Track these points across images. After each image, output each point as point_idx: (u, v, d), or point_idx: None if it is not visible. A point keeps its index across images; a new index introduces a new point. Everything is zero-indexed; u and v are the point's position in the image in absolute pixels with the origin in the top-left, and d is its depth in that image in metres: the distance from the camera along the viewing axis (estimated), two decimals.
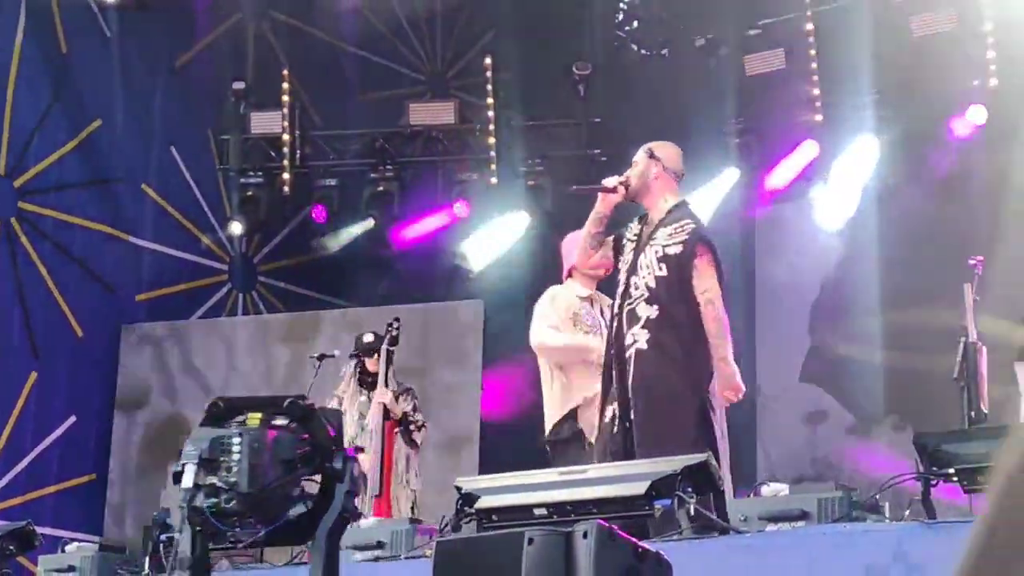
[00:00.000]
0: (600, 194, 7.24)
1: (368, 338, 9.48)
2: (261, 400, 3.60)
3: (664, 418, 6.75)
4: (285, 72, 13.00)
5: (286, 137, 12.92)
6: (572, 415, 7.81)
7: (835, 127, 11.69)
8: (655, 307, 6.86)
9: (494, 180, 12.76)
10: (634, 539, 4.12)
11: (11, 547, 7.00)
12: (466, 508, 5.93)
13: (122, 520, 11.92)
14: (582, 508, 5.51)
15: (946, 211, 11.07)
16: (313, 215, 13.07)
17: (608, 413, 6.94)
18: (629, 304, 6.94)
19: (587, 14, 12.90)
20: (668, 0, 12.56)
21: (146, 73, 12.73)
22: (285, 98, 12.98)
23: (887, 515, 5.37)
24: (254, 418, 3.52)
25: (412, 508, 9.24)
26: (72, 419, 11.99)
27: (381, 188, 12.93)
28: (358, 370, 9.50)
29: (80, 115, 12.31)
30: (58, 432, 11.90)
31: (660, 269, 6.93)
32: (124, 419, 12.28)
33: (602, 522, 3.96)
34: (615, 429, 6.86)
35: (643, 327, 6.84)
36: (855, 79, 11.46)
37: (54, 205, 12.08)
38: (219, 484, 3.43)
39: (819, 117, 11.77)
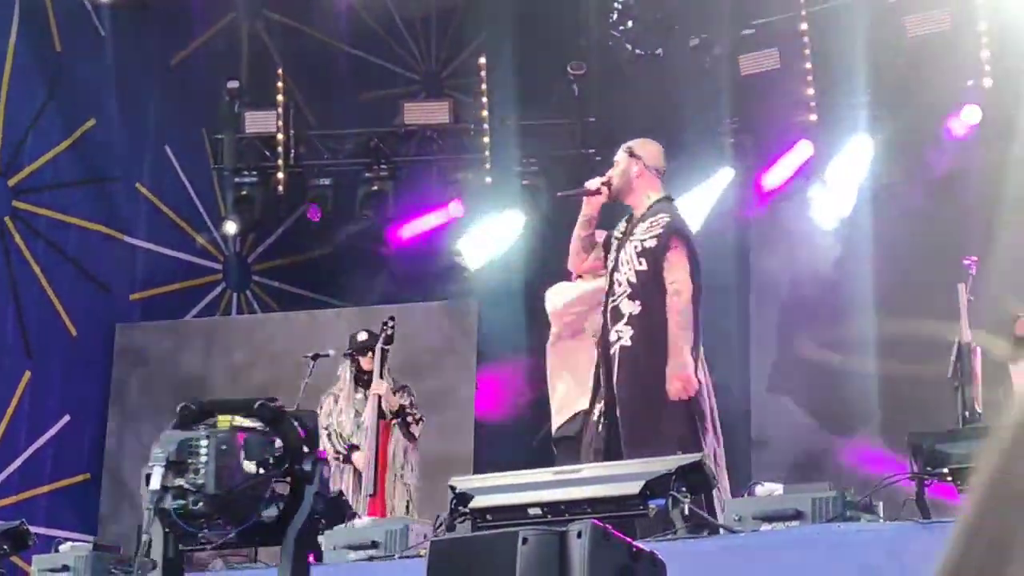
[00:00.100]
0: (585, 197, 7.25)
1: (362, 336, 9.48)
2: (231, 402, 3.62)
3: (648, 415, 6.75)
4: (280, 71, 12.99)
5: (280, 136, 12.91)
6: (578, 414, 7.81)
7: (829, 127, 11.69)
8: (637, 303, 6.87)
9: (489, 180, 12.76)
10: (628, 539, 4.12)
11: (5, 547, 6.99)
12: (460, 508, 5.93)
13: (116, 520, 11.90)
14: (576, 508, 5.52)
15: (941, 211, 11.07)
16: (308, 214, 13.07)
17: (595, 411, 6.95)
18: (613, 301, 6.96)
19: (582, 14, 12.90)
20: (662, 0, 12.56)
21: (140, 72, 12.71)
22: (280, 97, 12.97)
23: (881, 515, 5.37)
24: (224, 421, 3.54)
25: (407, 507, 9.23)
26: (66, 418, 11.98)
27: (376, 188, 12.93)
28: (353, 369, 9.50)
29: (74, 114, 12.29)
30: (52, 432, 11.89)
31: (640, 264, 6.95)
32: (118, 418, 12.26)
33: (596, 522, 3.96)
34: (600, 427, 6.88)
35: (627, 323, 6.85)
36: (849, 79, 11.46)
37: (48, 204, 12.07)
38: (186, 486, 3.45)
39: (813, 117, 11.77)
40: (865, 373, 11.14)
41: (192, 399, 3.68)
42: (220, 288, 13.31)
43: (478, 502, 5.91)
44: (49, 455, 11.85)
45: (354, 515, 6.96)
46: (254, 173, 12.92)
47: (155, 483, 3.47)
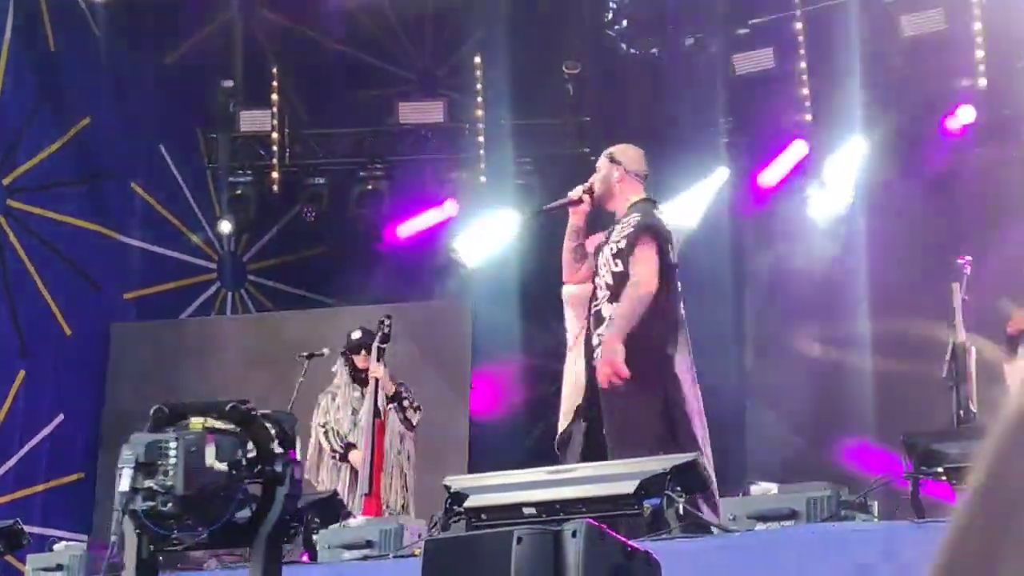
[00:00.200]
0: (569, 207, 7.25)
1: (356, 335, 9.48)
2: (204, 404, 3.63)
3: (627, 419, 6.75)
4: (274, 70, 12.99)
5: (275, 135, 12.91)
6: None
7: (824, 126, 11.70)
8: (614, 305, 6.87)
9: (483, 179, 12.76)
10: (623, 538, 4.12)
11: None
12: (455, 507, 5.93)
13: (110, 519, 11.88)
14: (571, 507, 5.51)
15: (935, 210, 11.08)
16: (302, 213, 13.07)
17: (581, 415, 6.97)
18: (595, 305, 6.96)
19: (577, 14, 12.91)
20: (657, 0, 12.57)
21: (135, 71, 12.71)
22: (274, 96, 12.97)
23: (876, 514, 5.38)
24: (196, 423, 3.55)
25: (403, 507, 9.23)
26: (60, 417, 11.97)
27: (370, 187, 12.93)
28: (348, 367, 9.51)
29: (69, 113, 12.28)
30: (46, 431, 11.88)
31: (616, 265, 6.95)
32: (112, 418, 12.25)
33: (591, 521, 3.96)
34: (583, 430, 6.90)
35: (608, 327, 6.85)
36: (844, 79, 11.47)
37: (43, 203, 12.06)
38: (155, 487, 3.47)
39: (808, 116, 11.78)
40: (860, 372, 11.15)
41: (165, 401, 3.70)
42: (215, 287, 13.31)
43: (473, 501, 5.90)
44: (43, 454, 11.84)
45: (349, 514, 6.96)
46: (249, 172, 12.92)
47: (124, 485, 3.50)
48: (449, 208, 12.81)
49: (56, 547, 7.47)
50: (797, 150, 11.80)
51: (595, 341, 6.89)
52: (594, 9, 12.85)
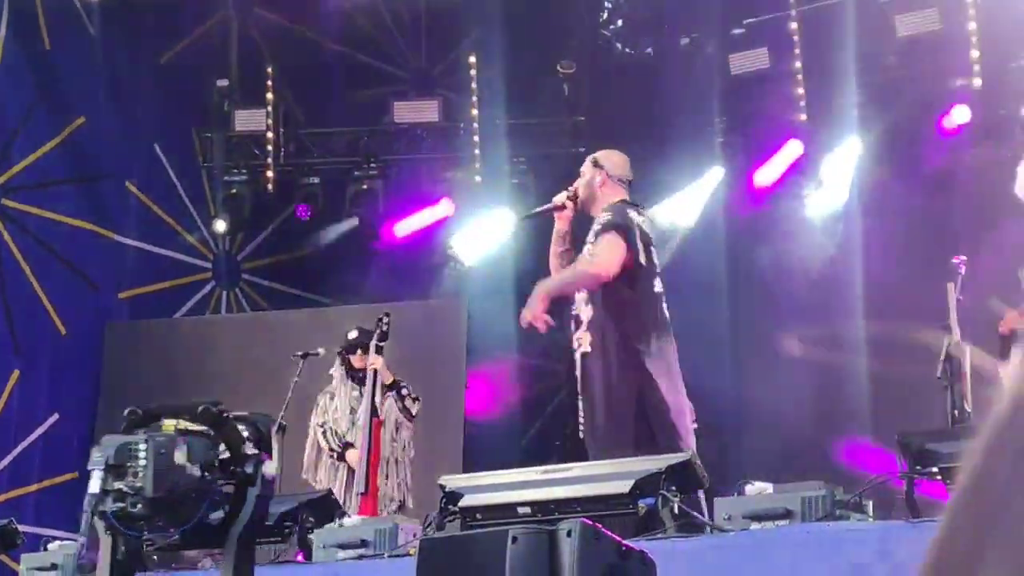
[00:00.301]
0: (554, 213, 7.27)
1: (353, 334, 9.49)
2: (177, 407, 3.65)
3: (604, 421, 6.76)
4: (269, 70, 12.99)
5: (270, 135, 12.91)
6: None
7: (819, 126, 11.71)
8: (590, 307, 6.90)
9: (478, 178, 12.76)
10: (618, 537, 4.12)
11: None
12: (450, 506, 5.93)
13: None
14: (566, 506, 5.52)
15: (930, 210, 11.08)
16: (297, 213, 13.07)
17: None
18: (574, 309, 6.98)
19: (572, 13, 12.91)
20: None
21: (130, 71, 12.70)
22: (269, 96, 12.97)
23: (871, 514, 5.38)
24: (169, 425, 3.57)
25: (401, 502, 9.23)
26: (55, 417, 11.96)
27: (365, 186, 12.93)
28: (344, 367, 9.51)
29: (64, 112, 12.27)
30: (41, 430, 11.87)
31: None
32: (107, 417, 12.24)
33: (586, 520, 3.96)
34: (569, 431, 6.94)
35: (586, 329, 6.87)
36: (839, 79, 11.47)
37: (37, 202, 12.05)
38: (125, 489, 3.48)
39: (803, 116, 11.79)
40: (855, 371, 11.16)
41: (139, 404, 3.71)
42: (209, 286, 13.30)
43: (467, 501, 5.90)
44: (38, 454, 11.83)
45: (343, 513, 6.95)
46: (244, 171, 12.92)
47: (94, 487, 3.51)
48: (444, 208, 12.81)
49: (50, 546, 7.46)
50: (792, 150, 11.80)
51: (575, 345, 6.91)
52: (589, 9, 12.85)
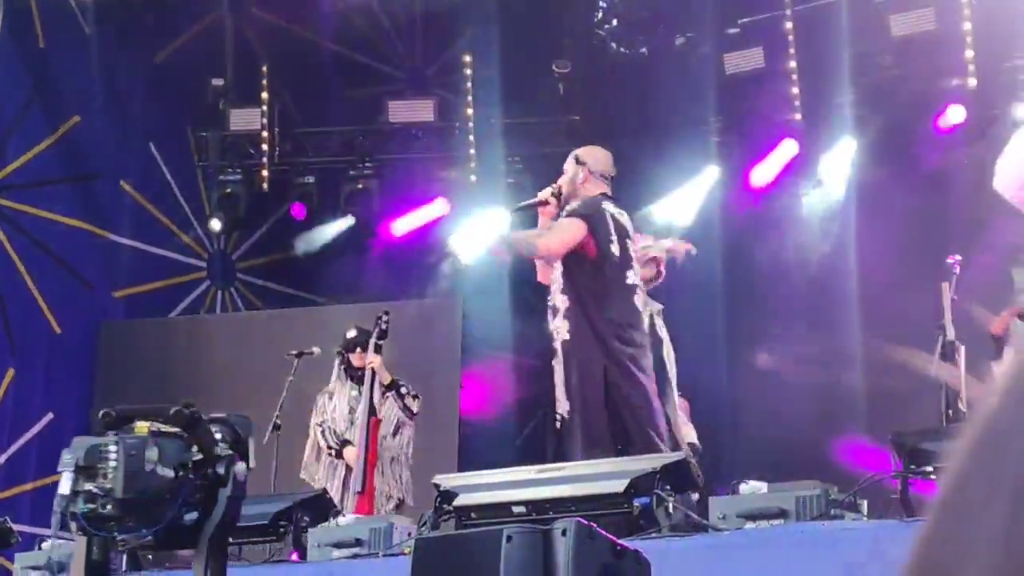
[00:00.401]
0: (539, 209, 7.35)
1: (351, 333, 9.50)
2: (150, 409, 3.67)
3: (576, 411, 6.80)
4: (264, 69, 12.98)
5: (265, 134, 12.90)
6: None
7: (814, 126, 11.72)
8: (566, 296, 6.95)
9: (473, 178, 12.76)
10: (613, 537, 4.12)
11: None
12: (445, 506, 5.93)
13: None
14: (561, 505, 5.52)
15: (925, 210, 11.09)
16: (292, 212, 13.06)
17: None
18: (551, 299, 7.04)
19: (567, 13, 12.91)
20: None
21: (125, 69, 12.69)
22: (264, 95, 12.96)
23: (865, 513, 5.38)
24: (142, 427, 3.59)
25: (400, 500, 9.24)
26: (49, 416, 11.95)
27: (360, 185, 12.93)
28: (343, 365, 9.52)
29: (58, 111, 12.26)
30: (35, 429, 11.86)
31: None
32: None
33: (581, 520, 3.96)
34: (556, 424, 6.95)
35: (564, 317, 6.93)
36: (834, 78, 11.48)
37: (32, 201, 12.04)
38: (95, 490, 3.50)
39: (798, 116, 11.79)
40: (851, 370, 11.16)
41: (113, 406, 3.73)
42: (204, 285, 13.30)
43: (462, 500, 5.91)
44: (33, 453, 11.82)
45: (338, 513, 6.95)
46: (238, 170, 12.91)
47: (64, 488, 3.53)
48: (440, 207, 12.80)
49: (44, 545, 7.46)
50: (787, 149, 11.81)
51: (555, 334, 6.96)
52: (584, 8, 12.85)
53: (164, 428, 3.59)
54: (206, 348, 12.48)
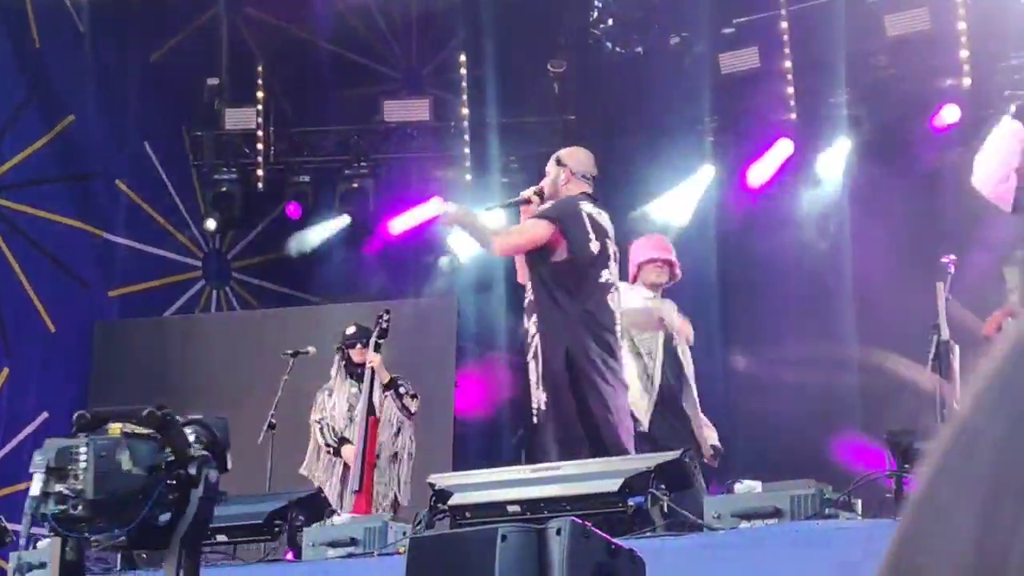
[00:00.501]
0: (522, 209, 7.42)
1: (350, 330, 9.51)
2: (124, 411, 3.69)
3: (552, 399, 6.84)
4: (260, 68, 12.98)
5: (260, 133, 12.90)
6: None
7: (809, 125, 11.72)
8: (537, 294, 7.02)
9: (469, 177, 12.76)
10: (607, 536, 4.13)
11: None
12: (440, 505, 5.94)
13: None
14: (555, 505, 5.52)
15: (920, 210, 11.10)
16: (287, 211, 13.06)
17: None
18: (528, 297, 7.09)
19: (562, 12, 12.91)
20: None
21: (120, 69, 12.68)
22: (259, 94, 12.96)
23: (859, 512, 5.39)
24: (115, 428, 3.60)
25: (396, 500, 9.24)
26: (44, 415, 11.94)
27: (356, 185, 12.93)
28: (343, 363, 9.52)
29: (54, 110, 12.25)
30: (30, 429, 11.84)
31: None
32: None
33: (576, 519, 3.97)
34: (534, 422, 7.00)
35: (535, 313, 6.98)
36: (829, 78, 11.49)
37: (27, 200, 12.03)
38: (66, 491, 3.52)
39: (793, 115, 11.80)
40: (846, 369, 11.17)
41: (88, 408, 3.75)
42: (199, 285, 13.29)
43: (457, 499, 5.91)
44: (27, 452, 11.76)
45: (333, 512, 6.95)
46: (234, 170, 12.90)
47: (35, 489, 3.54)
48: (435, 206, 12.79)
49: (40, 544, 7.46)
50: (783, 149, 11.82)
51: (531, 331, 7.01)
52: (579, 8, 12.85)
53: (137, 430, 3.60)
54: (201, 347, 12.47)
